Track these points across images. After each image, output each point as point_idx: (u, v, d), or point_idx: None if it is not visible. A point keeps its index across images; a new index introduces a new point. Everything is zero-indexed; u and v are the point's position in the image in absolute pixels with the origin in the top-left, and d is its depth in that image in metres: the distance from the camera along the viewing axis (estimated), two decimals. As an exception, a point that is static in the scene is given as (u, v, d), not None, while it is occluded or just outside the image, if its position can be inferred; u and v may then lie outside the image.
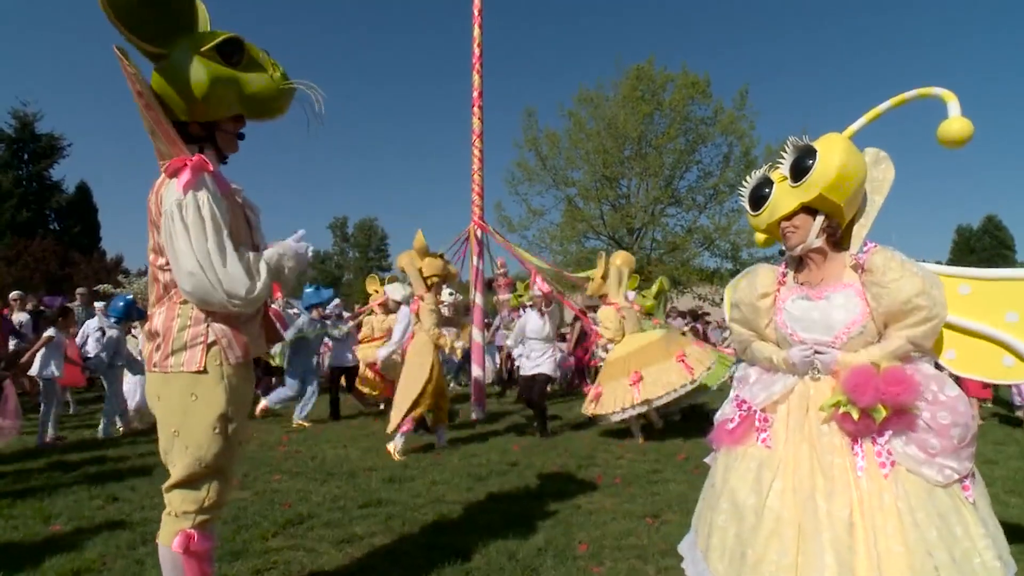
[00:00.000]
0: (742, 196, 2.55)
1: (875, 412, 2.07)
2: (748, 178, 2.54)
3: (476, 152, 8.57)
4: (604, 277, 7.46)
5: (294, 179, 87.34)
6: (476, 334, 8.74)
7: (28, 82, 56.16)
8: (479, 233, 8.85)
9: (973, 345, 2.32)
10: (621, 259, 7.74)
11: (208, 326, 2.25)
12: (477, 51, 8.57)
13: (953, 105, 2.23)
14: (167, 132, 2.16)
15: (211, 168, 2.21)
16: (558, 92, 57.88)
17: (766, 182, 2.43)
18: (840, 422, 2.17)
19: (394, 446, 6.03)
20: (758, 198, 2.45)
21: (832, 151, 2.22)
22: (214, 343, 2.24)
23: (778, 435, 2.30)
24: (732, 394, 2.55)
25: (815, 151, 2.24)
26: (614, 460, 5.83)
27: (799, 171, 2.26)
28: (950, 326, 2.32)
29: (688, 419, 8.01)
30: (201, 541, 2.28)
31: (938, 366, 2.32)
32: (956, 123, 2.21)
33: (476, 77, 8.54)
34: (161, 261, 2.24)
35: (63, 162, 31.81)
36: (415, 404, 6.13)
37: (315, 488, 4.77)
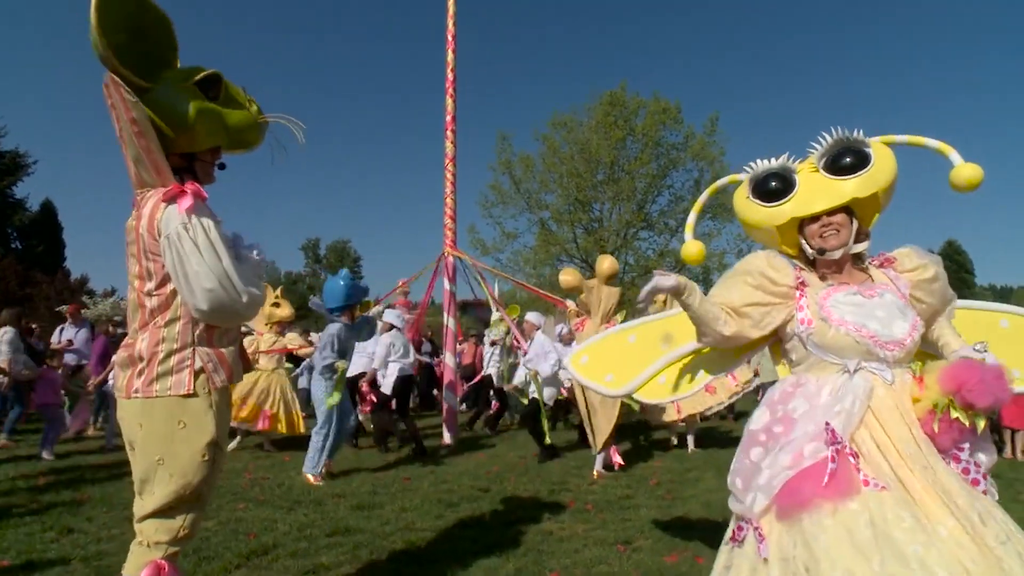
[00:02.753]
0: (747, 173, 2.31)
1: (978, 417, 1.80)
2: (753, 164, 2.31)
3: (449, 176, 8.59)
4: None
5: (266, 200, 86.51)
6: (449, 359, 8.68)
7: (-8, 98, 54.94)
8: (451, 257, 8.84)
9: None
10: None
11: (193, 351, 2.25)
12: (451, 76, 8.64)
13: (954, 155, 2.22)
14: (157, 161, 2.21)
15: (205, 196, 2.27)
16: (532, 116, 58.58)
17: (783, 173, 2.23)
18: (939, 433, 1.81)
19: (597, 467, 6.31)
20: (770, 190, 2.22)
21: (886, 151, 2.13)
22: (201, 370, 2.25)
23: (880, 467, 1.80)
24: (759, 438, 2.04)
25: (869, 146, 2.13)
26: (586, 486, 5.79)
27: (848, 165, 2.11)
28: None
29: (656, 443, 8.02)
30: (171, 573, 2.23)
31: None
32: (967, 169, 2.18)
33: (449, 101, 8.60)
34: (149, 286, 2.23)
35: (27, 179, 31.12)
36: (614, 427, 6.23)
37: (281, 517, 4.65)
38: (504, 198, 26.05)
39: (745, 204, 2.32)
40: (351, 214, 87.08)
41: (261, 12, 77.82)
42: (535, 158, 25.82)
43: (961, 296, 2.37)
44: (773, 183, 2.22)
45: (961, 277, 48.33)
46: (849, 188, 2.10)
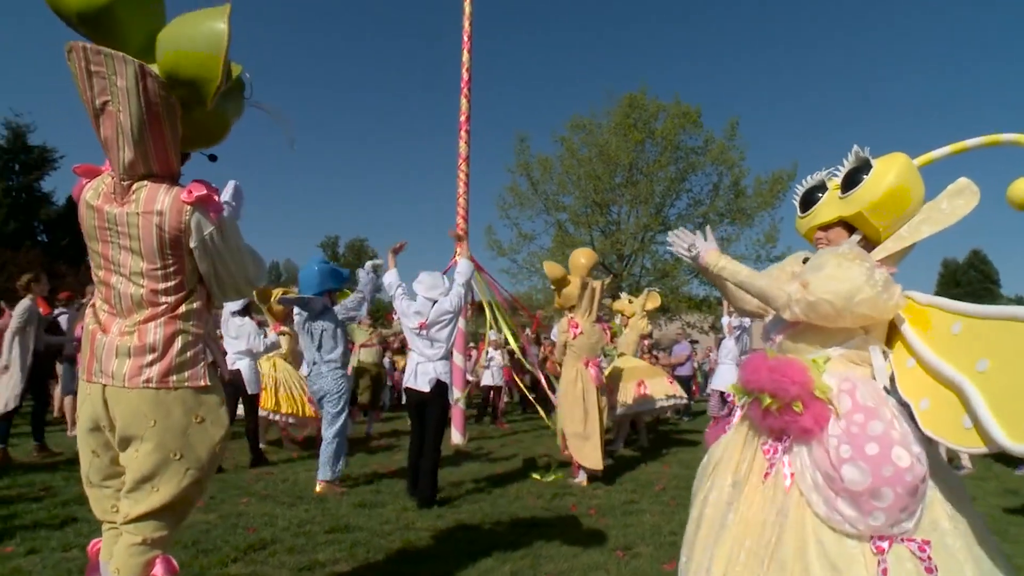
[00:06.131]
0: (796, 195, 2.45)
1: (763, 401, 2.05)
2: (808, 178, 2.42)
3: (462, 176, 8.57)
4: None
5: (286, 198, 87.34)
6: (458, 359, 8.66)
7: (22, 94, 56.13)
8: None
9: (945, 398, 1.88)
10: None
11: (204, 345, 2.28)
12: (466, 76, 8.63)
13: None
14: (171, 157, 2.19)
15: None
16: (551, 118, 58.49)
17: (821, 186, 2.34)
18: (752, 416, 2.16)
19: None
20: (809, 200, 2.36)
21: (888, 170, 2.08)
22: (213, 363, 2.29)
23: (731, 431, 2.36)
24: None
25: (870, 166, 2.12)
26: (590, 490, 5.74)
27: (849, 183, 2.17)
28: (928, 369, 1.96)
29: (667, 447, 7.94)
30: (173, 566, 2.23)
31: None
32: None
33: (464, 101, 8.59)
34: (167, 285, 2.18)
35: (54, 174, 31.79)
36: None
37: (282, 512, 4.66)
38: (521, 199, 26.01)
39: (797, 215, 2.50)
40: (370, 213, 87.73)
41: (277, 8, 78.67)
42: (553, 160, 25.78)
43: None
44: (813, 195, 2.37)
45: (986, 287, 47.36)
46: (839, 207, 2.22)
